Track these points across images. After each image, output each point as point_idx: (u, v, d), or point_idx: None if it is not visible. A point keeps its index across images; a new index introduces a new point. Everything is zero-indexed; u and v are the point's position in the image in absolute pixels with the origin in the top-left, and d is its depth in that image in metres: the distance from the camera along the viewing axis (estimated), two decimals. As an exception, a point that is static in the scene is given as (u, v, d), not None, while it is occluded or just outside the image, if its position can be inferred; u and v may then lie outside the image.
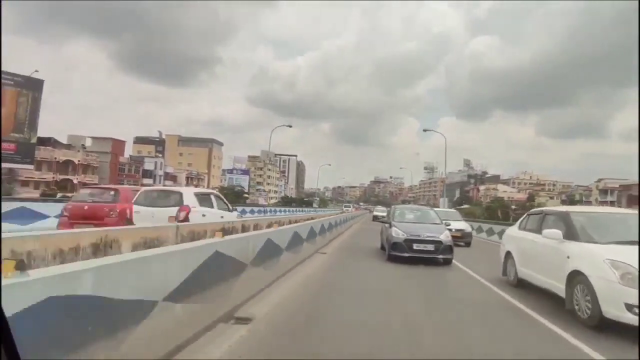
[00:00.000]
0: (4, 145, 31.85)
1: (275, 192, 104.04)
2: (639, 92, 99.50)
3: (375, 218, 34.11)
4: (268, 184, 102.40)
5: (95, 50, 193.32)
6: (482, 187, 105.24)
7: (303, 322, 3.90)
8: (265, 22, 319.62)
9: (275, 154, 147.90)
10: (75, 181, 40.90)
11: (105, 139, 46.09)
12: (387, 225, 9.76)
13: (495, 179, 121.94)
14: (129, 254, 2.92)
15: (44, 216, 11.62)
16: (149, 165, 53.55)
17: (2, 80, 32.34)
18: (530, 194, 70.40)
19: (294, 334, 3.53)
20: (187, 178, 66.65)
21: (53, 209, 11.80)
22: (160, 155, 60.34)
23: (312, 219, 13.33)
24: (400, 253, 8.43)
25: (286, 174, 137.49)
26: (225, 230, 4.66)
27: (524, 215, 6.94)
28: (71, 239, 3.21)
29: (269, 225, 8.11)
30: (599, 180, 57.16)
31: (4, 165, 32.90)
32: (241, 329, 3.38)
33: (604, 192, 53.06)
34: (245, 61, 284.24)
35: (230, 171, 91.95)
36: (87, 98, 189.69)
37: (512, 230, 7.03)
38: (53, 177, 38.59)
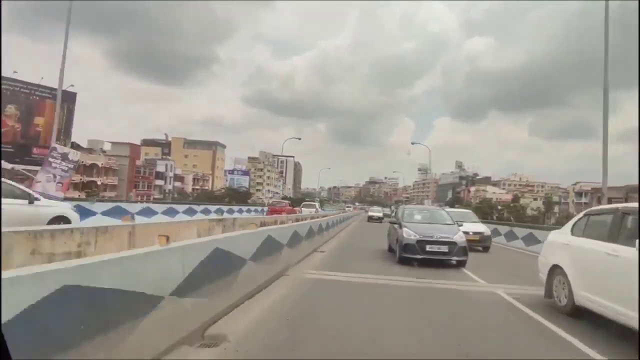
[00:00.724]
0: (40, 151, 36.26)
1: (276, 192, 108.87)
2: (639, 92, 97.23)
3: (370, 218, 33.14)
4: (268, 184, 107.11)
5: (91, 49, 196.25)
6: (472, 189, 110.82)
7: (343, 249, 9.60)
8: (263, 21, 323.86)
9: (274, 155, 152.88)
10: (99, 182, 45.51)
11: (123, 143, 50.73)
12: (396, 226, 9.49)
13: (487, 180, 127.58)
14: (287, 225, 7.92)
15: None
16: (160, 167, 58.16)
17: (42, 94, 36.84)
18: (515, 195, 75.98)
19: (338, 259, 8.80)
20: (194, 179, 71.23)
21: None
22: (170, 157, 64.86)
23: (327, 216, 18.28)
24: (413, 255, 8.26)
25: (284, 175, 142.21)
26: (297, 219, 9.73)
27: (580, 215, 5.26)
28: (272, 218, 8.27)
29: (312, 217, 13.21)
30: (576, 183, 63.17)
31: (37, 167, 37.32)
32: (319, 255, 8.62)
33: (579, 194, 58.92)
34: (243, 60, 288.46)
35: (232, 172, 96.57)
36: (83, 96, 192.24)
37: (561, 236, 5.30)
38: (80, 179, 43.12)
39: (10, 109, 33.87)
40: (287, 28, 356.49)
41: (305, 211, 27.22)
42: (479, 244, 12.20)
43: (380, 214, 34.40)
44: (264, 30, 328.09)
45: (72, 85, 37.91)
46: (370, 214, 35.75)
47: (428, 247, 8.19)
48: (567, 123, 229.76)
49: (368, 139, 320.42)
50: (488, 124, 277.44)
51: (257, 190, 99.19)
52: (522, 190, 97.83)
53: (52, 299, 1.77)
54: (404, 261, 8.34)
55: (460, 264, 8.36)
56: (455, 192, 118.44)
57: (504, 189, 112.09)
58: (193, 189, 68.04)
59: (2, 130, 33.27)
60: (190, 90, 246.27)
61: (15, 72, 33.59)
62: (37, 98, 36.06)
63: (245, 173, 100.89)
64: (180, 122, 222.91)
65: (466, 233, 9.56)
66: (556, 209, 63.92)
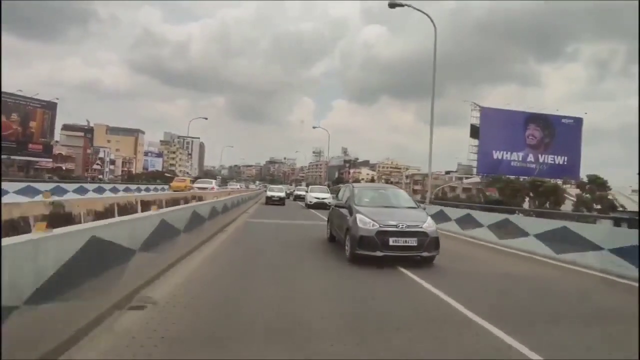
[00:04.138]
0: (34, 146, 51.46)
1: (187, 172, 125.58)
2: (639, 90, 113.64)
3: (270, 200, 27.30)
4: (180, 165, 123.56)
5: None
6: (352, 170, 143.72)
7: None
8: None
9: (179, 136, 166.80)
10: (64, 168, 60.76)
11: (77, 136, 65.30)
12: (343, 210, 7.75)
13: (366, 163, 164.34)
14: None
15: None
16: (101, 154, 73.89)
17: (32, 103, 51.01)
18: (372, 177, 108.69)
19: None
20: (123, 162, 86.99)
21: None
22: (106, 146, 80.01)
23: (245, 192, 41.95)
24: (372, 252, 6.41)
25: (191, 155, 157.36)
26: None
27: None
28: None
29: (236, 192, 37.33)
30: (407, 169, 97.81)
31: (32, 158, 52.35)
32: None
33: (407, 176, 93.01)
34: (128, 20, 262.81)
35: (146, 154, 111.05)
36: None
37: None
38: (52, 166, 58.23)
39: (13, 116, 48.46)
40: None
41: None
42: None
43: (283, 194, 28.39)
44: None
45: (57, 99, 53.61)
46: (270, 193, 28.15)
47: (392, 241, 6.38)
48: (443, 111, 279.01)
49: (268, 116, 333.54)
50: (379, 109, 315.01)
51: (171, 170, 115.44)
52: (387, 173, 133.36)
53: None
54: (358, 260, 6.56)
55: (429, 260, 6.68)
56: (340, 173, 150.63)
57: (378, 170, 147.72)
58: (122, 171, 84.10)
59: (8, 132, 48.33)
60: (59, 49, 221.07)
61: (19, 90, 48.44)
62: (30, 107, 50.84)
63: (159, 155, 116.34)
64: (44, 84, 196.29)
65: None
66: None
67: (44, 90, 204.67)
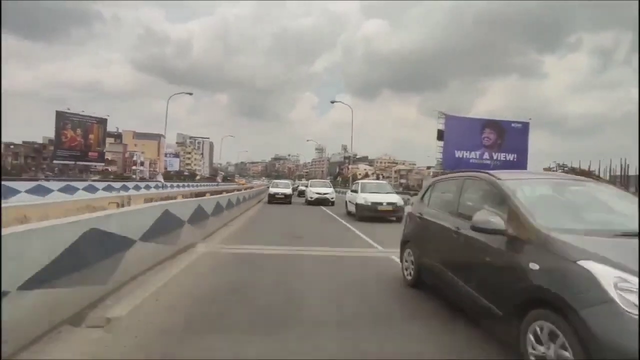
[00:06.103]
0: (92, 154, 66.50)
1: (199, 170, 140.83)
2: (639, 92, 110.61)
3: (274, 198, 24.03)
4: (195, 164, 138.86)
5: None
6: (350, 166, 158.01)
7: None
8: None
9: (190, 137, 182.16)
10: (109, 169, 75.99)
11: (117, 144, 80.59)
12: (501, 243, 3.05)
13: (365, 159, 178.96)
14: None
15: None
16: (135, 157, 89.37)
17: (90, 120, 65.92)
18: (366, 172, 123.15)
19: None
20: (150, 163, 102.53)
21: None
22: (139, 151, 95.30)
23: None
24: None
25: (202, 155, 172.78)
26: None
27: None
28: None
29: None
30: (396, 164, 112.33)
31: (91, 163, 67.48)
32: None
33: (396, 171, 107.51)
34: (131, 20, 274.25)
35: (165, 155, 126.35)
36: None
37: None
38: (102, 168, 73.53)
39: (78, 131, 63.61)
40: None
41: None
42: (392, 214, 13.03)
43: (288, 190, 25.43)
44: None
45: (108, 116, 68.81)
46: (274, 190, 25.06)
47: None
48: (445, 104, 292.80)
49: (271, 113, 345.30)
50: (382, 102, 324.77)
51: (187, 169, 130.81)
52: (384, 167, 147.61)
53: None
54: None
55: None
56: (340, 168, 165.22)
57: (376, 166, 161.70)
58: (149, 171, 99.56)
59: (73, 144, 63.41)
60: (64, 50, 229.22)
61: (82, 110, 63.83)
62: (89, 123, 65.93)
63: (176, 156, 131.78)
64: (49, 85, 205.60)
65: (380, 204, 10.35)
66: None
67: (50, 91, 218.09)
